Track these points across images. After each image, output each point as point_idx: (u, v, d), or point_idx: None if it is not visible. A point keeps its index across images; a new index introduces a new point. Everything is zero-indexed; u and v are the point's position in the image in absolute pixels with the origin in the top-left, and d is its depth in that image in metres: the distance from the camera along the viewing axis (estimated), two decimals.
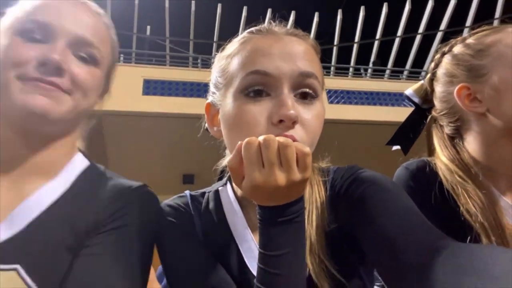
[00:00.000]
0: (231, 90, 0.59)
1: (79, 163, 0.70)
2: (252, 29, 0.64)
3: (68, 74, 0.61)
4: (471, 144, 0.77)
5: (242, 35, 0.64)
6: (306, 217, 0.59)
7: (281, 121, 0.53)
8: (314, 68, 0.59)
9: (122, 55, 5.92)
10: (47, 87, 0.59)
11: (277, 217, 0.51)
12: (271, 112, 0.55)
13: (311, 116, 0.57)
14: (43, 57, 0.59)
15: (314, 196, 0.63)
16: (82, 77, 0.63)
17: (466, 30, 6.57)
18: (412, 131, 0.88)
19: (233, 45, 0.63)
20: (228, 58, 0.62)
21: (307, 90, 0.58)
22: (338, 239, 0.61)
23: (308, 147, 0.49)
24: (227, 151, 0.73)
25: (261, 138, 0.48)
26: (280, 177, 0.48)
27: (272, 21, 0.64)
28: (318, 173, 0.67)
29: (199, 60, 6.74)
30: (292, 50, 0.58)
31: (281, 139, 0.48)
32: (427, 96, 0.86)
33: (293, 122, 0.54)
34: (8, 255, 0.56)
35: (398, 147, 0.89)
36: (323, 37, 8.13)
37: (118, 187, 0.67)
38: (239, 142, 0.50)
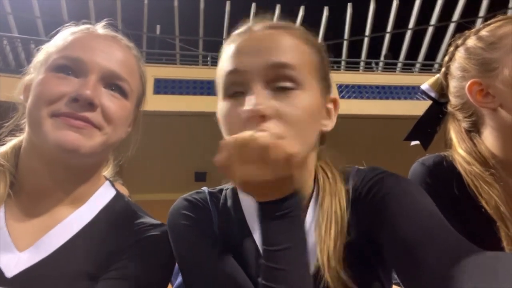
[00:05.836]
0: (221, 91, 0.60)
1: (106, 193, 0.72)
2: (237, 30, 0.64)
3: (100, 108, 0.62)
4: (488, 138, 0.75)
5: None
6: (324, 229, 0.59)
7: (252, 117, 0.53)
8: (293, 58, 0.57)
9: None
10: (79, 123, 0.60)
11: (272, 212, 0.51)
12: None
13: (291, 108, 0.55)
14: (76, 93, 0.60)
15: (334, 208, 0.62)
16: (113, 110, 0.64)
17: (479, 21, 6.42)
18: (430, 126, 0.86)
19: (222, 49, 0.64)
20: (219, 62, 0.64)
21: (283, 81, 0.56)
22: (359, 244, 0.60)
23: (296, 147, 0.48)
24: None
25: (238, 136, 0.49)
26: (264, 173, 0.48)
27: (254, 19, 0.63)
28: (341, 182, 0.65)
29: (208, 58, 6.76)
30: (265, 44, 0.58)
31: (262, 138, 0.48)
32: (443, 91, 0.84)
33: (262, 116, 0.53)
34: (31, 282, 0.58)
35: (417, 142, 0.86)
36: (333, 32, 8.06)
37: (139, 221, 0.69)
38: (221, 141, 0.50)
